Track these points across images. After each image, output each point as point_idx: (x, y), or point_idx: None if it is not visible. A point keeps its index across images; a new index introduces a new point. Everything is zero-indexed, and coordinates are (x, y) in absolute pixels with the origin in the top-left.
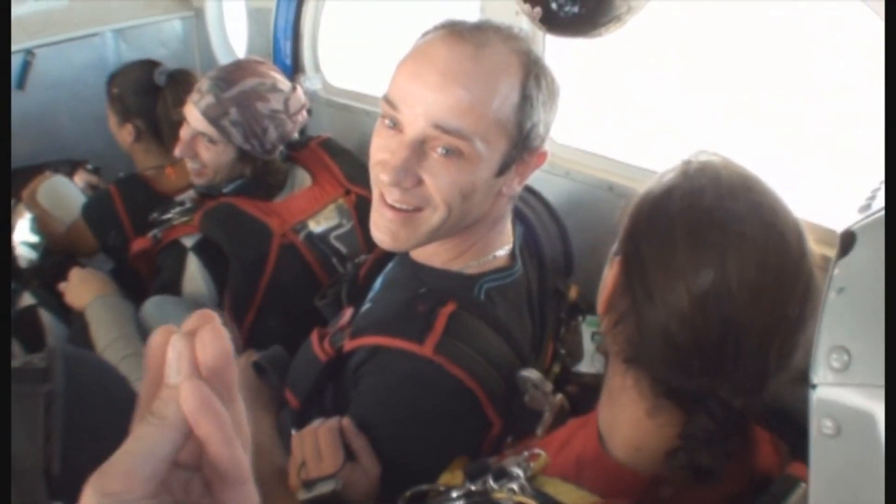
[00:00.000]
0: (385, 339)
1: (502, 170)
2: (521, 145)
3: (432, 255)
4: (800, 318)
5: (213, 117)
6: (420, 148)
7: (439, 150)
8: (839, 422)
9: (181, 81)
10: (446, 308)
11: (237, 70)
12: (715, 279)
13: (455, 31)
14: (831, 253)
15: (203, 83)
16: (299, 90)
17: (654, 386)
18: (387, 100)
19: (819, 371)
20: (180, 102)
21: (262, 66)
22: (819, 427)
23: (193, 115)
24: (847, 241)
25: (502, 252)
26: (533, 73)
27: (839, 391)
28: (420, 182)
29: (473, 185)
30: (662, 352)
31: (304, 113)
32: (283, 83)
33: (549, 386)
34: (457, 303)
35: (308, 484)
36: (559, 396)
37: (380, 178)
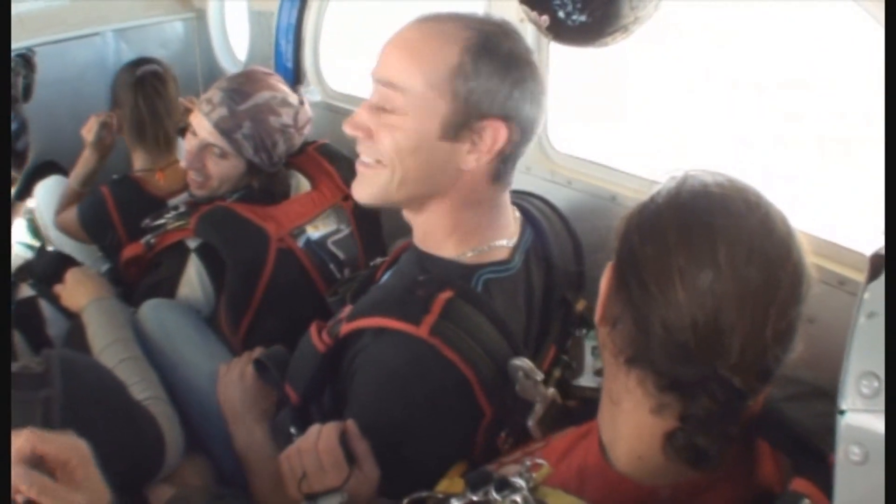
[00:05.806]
0: (382, 319)
1: (447, 133)
2: (463, 111)
3: (426, 237)
4: (792, 293)
5: (226, 130)
6: (377, 108)
7: (387, 107)
8: (867, 448)
9: (153, 82)
10: (444, 294)
11: (249, 82)
12: (706, 262)
13: (422, 15)
14: (824, 262)
15: (214, 94)
16: (307, 104)
17: (657, 381)
18: None
19: (848, 397)
20: (150, 100)
21: (272, 79)
22: (846, 453)
23: (203, 126)
24: (877, 265)
25: (501, 243)
26: (479, 43)
27: (868, 418)
28: (372, 135)
29: (413, 144)
30: (662, 343)
31: (308, 127)
32: (292, 97)
33: (539, 375)
34: (454, 291)
35: (311, 497)
36: (551, 390)
37: None
